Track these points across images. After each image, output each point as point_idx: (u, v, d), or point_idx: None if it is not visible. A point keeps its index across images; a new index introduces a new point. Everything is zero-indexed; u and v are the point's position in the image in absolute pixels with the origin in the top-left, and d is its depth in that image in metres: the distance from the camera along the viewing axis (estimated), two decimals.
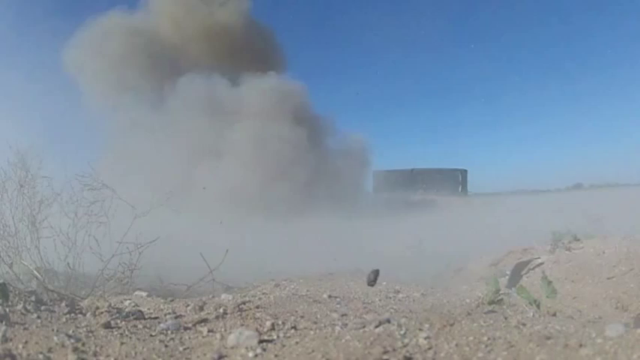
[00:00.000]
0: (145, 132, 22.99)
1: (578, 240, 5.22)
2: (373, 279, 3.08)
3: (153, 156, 20.89)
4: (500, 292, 3.30)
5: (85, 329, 2.12)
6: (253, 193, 20.20)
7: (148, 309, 2.77)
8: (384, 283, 4.36)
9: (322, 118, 27.01)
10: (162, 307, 2.85)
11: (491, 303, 3.14)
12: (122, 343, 1.90)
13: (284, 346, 1.85)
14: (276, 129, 22.64)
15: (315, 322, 2.29)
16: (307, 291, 3.73)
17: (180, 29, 24.36)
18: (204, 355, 1.80)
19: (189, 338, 2.05)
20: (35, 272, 3.36)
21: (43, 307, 2.54)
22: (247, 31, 25.38)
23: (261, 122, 22.56)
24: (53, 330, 2.02)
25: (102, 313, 2.51)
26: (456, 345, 1.71)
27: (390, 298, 3.55)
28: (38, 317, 2.28)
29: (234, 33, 24.86)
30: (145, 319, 2.47)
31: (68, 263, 3.67)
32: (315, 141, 24.08)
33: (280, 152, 22.40)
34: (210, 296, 3.46)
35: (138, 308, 2.74)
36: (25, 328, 1.99)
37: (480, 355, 1.63)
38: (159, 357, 1.77)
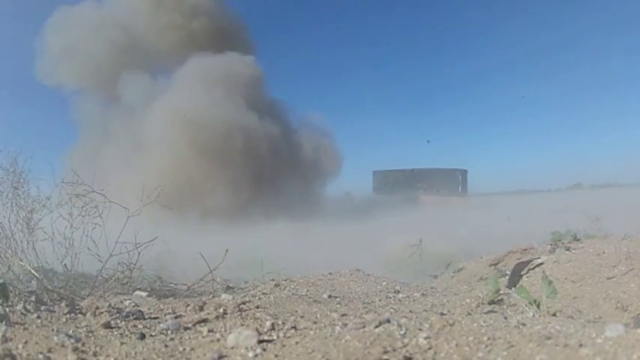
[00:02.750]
0: (102, 130, 22.08)
1: (578, 240, 5.22)
2: None
3: (104, 153, 19.73)
4: (500, 292, 3.30)
5: (85, 329, 2.12)
6: (181, 190, 16.87)
7: (148, 309, 2.77)
8: (384, 283, 4.36)
9: (279, 103, 24.79)
10: (162, 307, 2.85)
11: (491, 303, 3.13)
12: (122, 343, 1.90)
13: (284, 346, 1.85)
14: (218, 112, 19.47)
15: (315, 322, 2.29)
16: (307, 291, 3.73)
17: (150, 22, 23.18)
18: (204, 355, 1.80)
19: (189, 338, 2.05)
20: (33, 272, 3.36)
21: (43, 307, 2.54)
22: (218, 26, 23.87)
23: (199, 103, 19.37)
24: (53, 330, 2.01)
25: (102, 313, 2.51)
26: (456, 345, 1.71)
27: (390, 298, 3.55)
28: (38, 317, 2.28)
29: (205, 31, 23.44)
30: (144, 319, 2.47)
31: (65, 265, 3.68)
32: (271, 128, 21.48)
33: (221, 138, 19.26)
34: (210, 296, 3.46)
35: (138, 308, 2.74)
36: (25, 328, 1.99)
37: (480, 355, 1.63)
38: (159, 357, 1.77)
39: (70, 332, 2.00)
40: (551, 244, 5.08)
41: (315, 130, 25.78)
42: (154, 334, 2.12)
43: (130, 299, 3.25)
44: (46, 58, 22.84)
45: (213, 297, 3.36)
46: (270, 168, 20.56)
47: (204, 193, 18.32)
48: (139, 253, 3.66)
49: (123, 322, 2.32)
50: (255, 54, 25.27)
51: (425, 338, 1.76)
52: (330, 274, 4.66)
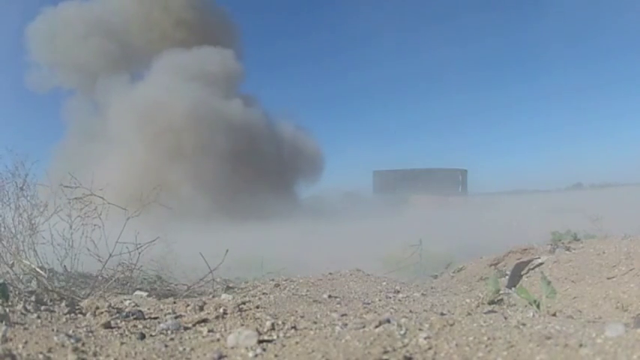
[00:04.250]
0: (86, 129, 21.81)
1: (578, 240, 5.22)
2: None
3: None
4: (500, 292, 3.30)
5: (85, 329, 2.12)
6: (148, 188, 16.33)
7: (148, 309, 2.77)
8: (384, 283, 4.36)
9: (255, 99, 24.06)
10: (162, 307, 2.85)
11: (491, 303, 3.13)
12: (122, 343, 1.90)
13: (284, 346, 1.85)
14: (187, 107, 18.56)
15: (315, 322, 2.29)
16: (307, 291, 3.73)
17: (134, 22, 23.00)
18: (204, 355, 1.80)
19: (189, 338, 2.05)
20: (38, 269, 3.37)
21: (43, 307, 2.53)
22: (204, 21, 23.70)
23: (163, 98, 18.64)
24: (53, 330, 2.01)
25: (102, 313, 2.51)
26: (456, 345, 1.71)
27: (390, 298, 3.55)
28: (38, 317, 2.27)
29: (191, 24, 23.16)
30: (145, 319, 2.47)
31: (65, 266, 3.68)
32: (248, 123, 20.59)
33: (185, 134, 18.61)
34: (210, 296, 3.46)
35: (138, 308, 2.74)
36: (25, 328, 1.99)
37: (480, 355, 1.63)
38: (159, 357, 1.77)
39: (70, 332, 2.00)
40: (551, 244, 5.08)
41: (294, 126, 25.43)
42: (154, 334, 2.12)
43: (130, 299, 3.24)
44: (33, 65, 22.83)
45: (213, 297, 3.36)
46: (247, 165, 20.03)
47: (170, 191, 17.71)
48: (139, 254, 3.66)
49: (123, 322, 2.32)
50: (244, 50, 25.00)
51: (425, 338, 1.76)
52: (330, 274, 4.66)
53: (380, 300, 3.41)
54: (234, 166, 19.96)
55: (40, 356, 1.67)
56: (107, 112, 20.97)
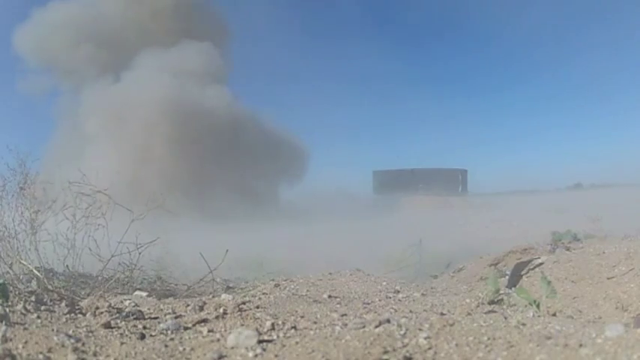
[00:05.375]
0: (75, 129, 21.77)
1: (578, 240, 5.23)
2: None
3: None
4: (500, 292, 3.30)
5: (85, 329, 2.12)
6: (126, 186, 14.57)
7: (148, 309, 2.77)
8: (384, 283, 4.36)
9: (239, 96, 23.73)
10: (162, 307, 2.85)
11: (491, 303, 3.14)
12: (122, 343, 1.90)
13: (284, 346, 1.85)
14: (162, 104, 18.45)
15: (315, 322, 2.29)
16: (307, 291, 3.73)
17: (124, 14, 22.95)
18: (204, 355, 1.80)
19: (189, 338, 2.05)
20: (35, 271, 3.36)
21: (43, 307, 2.53)
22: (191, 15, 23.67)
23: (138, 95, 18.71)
24: (53, 330, 2.01)
25: (102, 313, 2.51)
26: (456, 345, 1.71)
27: (390, 298, 3.55)
28: (38, 317, 2.27)
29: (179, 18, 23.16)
30: (145, 319, 2.47)
31: (67, 265, 3.68)
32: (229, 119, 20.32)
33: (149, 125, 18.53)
34: (210, 296, 3.46)
35: (138, 308, 2.74)
36: (25, 328, 1.99)
37: (480, 355, 1.63)
38: (159, 357, 1.77)
39: (70, 332, 2.00)
40: (551, 244, 5.08)
41: (277, 123, 25.36)
42: (154, 334, 2.12)
43: (130, 299, 3.24)
44: (24, 68, 22.86)
45: (213, 297, 3.36)
46: (230, 162, 19.85)
47: (142, 189, 17.61)
48: (140, 254, 3.66)
49: (123, 322, 2.32)
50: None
51: (425, 338, 1.76)
52: (330, 274, 4.66)
53: (380, 300, 3.41)
54: (215, 162, 19.90)
55: (40, 356, 1.67)
56: (85, 112, 21.10)
